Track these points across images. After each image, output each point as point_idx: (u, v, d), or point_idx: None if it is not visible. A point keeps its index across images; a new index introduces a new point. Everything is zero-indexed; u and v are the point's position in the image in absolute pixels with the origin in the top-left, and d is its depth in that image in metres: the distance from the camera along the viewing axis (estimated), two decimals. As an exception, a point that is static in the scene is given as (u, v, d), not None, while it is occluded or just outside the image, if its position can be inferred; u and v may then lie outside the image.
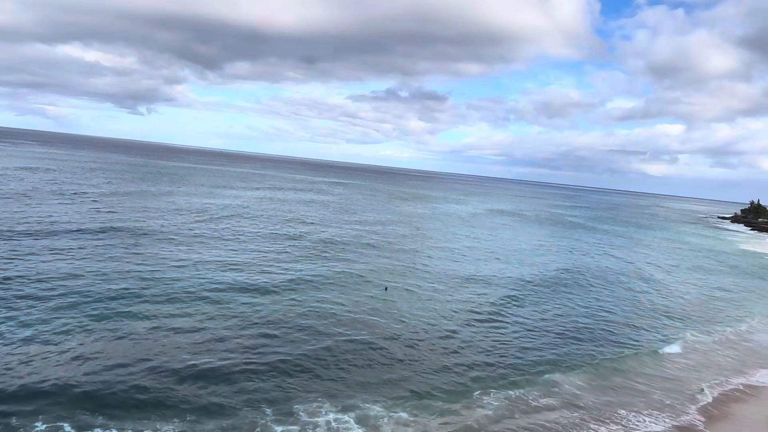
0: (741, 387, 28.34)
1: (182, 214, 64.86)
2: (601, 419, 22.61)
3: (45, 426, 17.53)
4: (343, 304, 33.57)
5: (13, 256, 36.23)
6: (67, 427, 17.69)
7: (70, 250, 39.69)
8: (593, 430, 21.67)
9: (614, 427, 22.14)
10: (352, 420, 20.04)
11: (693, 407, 24.98)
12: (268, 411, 20.04)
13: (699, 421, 23.67)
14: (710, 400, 26.06)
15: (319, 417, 19.96)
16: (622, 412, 23.52)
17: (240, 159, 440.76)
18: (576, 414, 22.84)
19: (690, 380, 28.42)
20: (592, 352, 30.59)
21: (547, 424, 21.66)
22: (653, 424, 22.73)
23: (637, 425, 22.47)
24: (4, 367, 20.90)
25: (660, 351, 32.51)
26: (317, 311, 31.75)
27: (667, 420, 23.30)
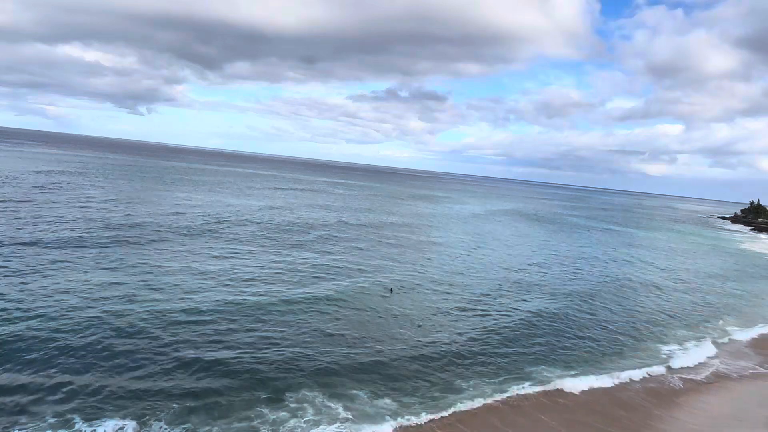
0: (720, 382, 28.56)
1: (184, 216, 65.07)
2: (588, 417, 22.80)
3: (54, 419, 17.83)
4: (347, 306, 33.47)
5: (16, 260, 36.36)
6: (76, 418, 18.03)
7: (75, 251, 39.87)
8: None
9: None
10: (345, 413, 20.52)
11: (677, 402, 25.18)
12: (265, 406, 20.46)
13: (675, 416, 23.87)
14: (687, 391, 26.27)
15: (308, 404, 20.72)
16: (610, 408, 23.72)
17: (240, 159, 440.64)
18: (567, 412, 23.05)
19: (678, 379, 28.61)
20: (590, 352, 30.88)
21: (537, 423, 21.84)
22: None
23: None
24: (16, 363, 21.15)
25: (659, 351, 32.68)
26: (321, 312, 31.83)
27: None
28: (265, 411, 19.93)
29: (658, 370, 29.14)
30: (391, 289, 38.33)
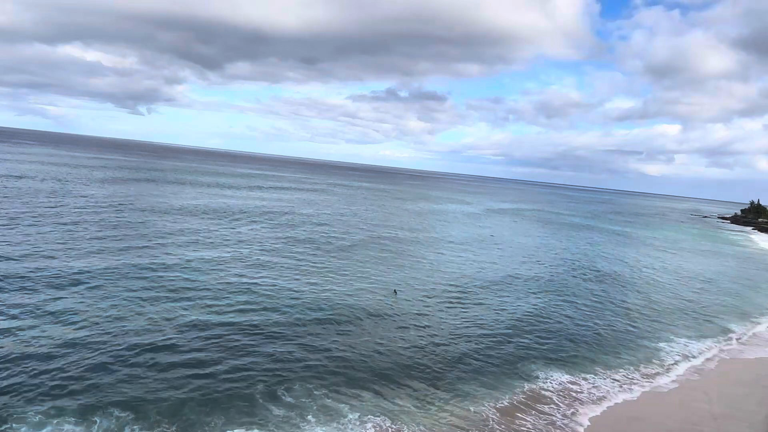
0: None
1: (185, 216, 65.13)
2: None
3: (54, 416, 17.90)
4: (351, 309, 33.06)
5: (19, 261, 36.41)
6: (74, 411, 18.09)
7: (78, 250, 39.94)
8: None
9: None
10: (346, 409, 20.70)
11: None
12: (267, 404, 20.50)
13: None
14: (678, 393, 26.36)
15: (310, 402, 20.86)
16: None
17: (240, 159, 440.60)
18: (569, 411, 23.15)
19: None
20: (591, 352, 30.86)
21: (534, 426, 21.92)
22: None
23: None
24: (15, 359, 21.26)
25: (658, 350, 32.73)
26: (325, 314, 31.68)
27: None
28: (267, 409, 19.97)
29: (657, 368, 29.18)
30: (395, 291, 38.20)
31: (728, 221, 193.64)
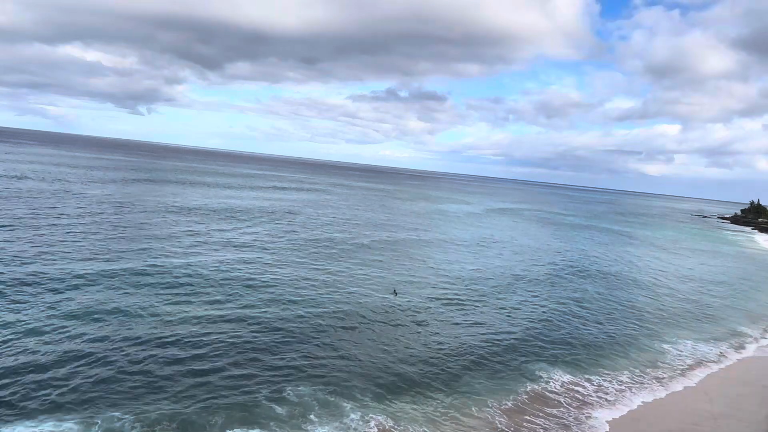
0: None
1: (185, 216, 65.15)
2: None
3: (51, 416, 17.96)
4: (352, 309, 33.00)
5: (20, 262, 36.45)
6: (82, 403, 18.13)
7: (81, 245, 39.96)
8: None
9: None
10: (348, 408, 20.70)
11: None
12: (268, 404, 20.44)
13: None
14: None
15: (312, 400, 20.91)
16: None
17: (240, 159, 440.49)
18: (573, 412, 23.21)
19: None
20: (592, 353, 30.76)
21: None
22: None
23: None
24: (16, 358, 21.31)
25: (660, 351, 32.75)
26: (326, 313, 31.66)
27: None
28: (269, 408, 19.93)
29: (659, 369, 29.11)
30: (395, 291, 38.23)
31: (728, 221, 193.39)
